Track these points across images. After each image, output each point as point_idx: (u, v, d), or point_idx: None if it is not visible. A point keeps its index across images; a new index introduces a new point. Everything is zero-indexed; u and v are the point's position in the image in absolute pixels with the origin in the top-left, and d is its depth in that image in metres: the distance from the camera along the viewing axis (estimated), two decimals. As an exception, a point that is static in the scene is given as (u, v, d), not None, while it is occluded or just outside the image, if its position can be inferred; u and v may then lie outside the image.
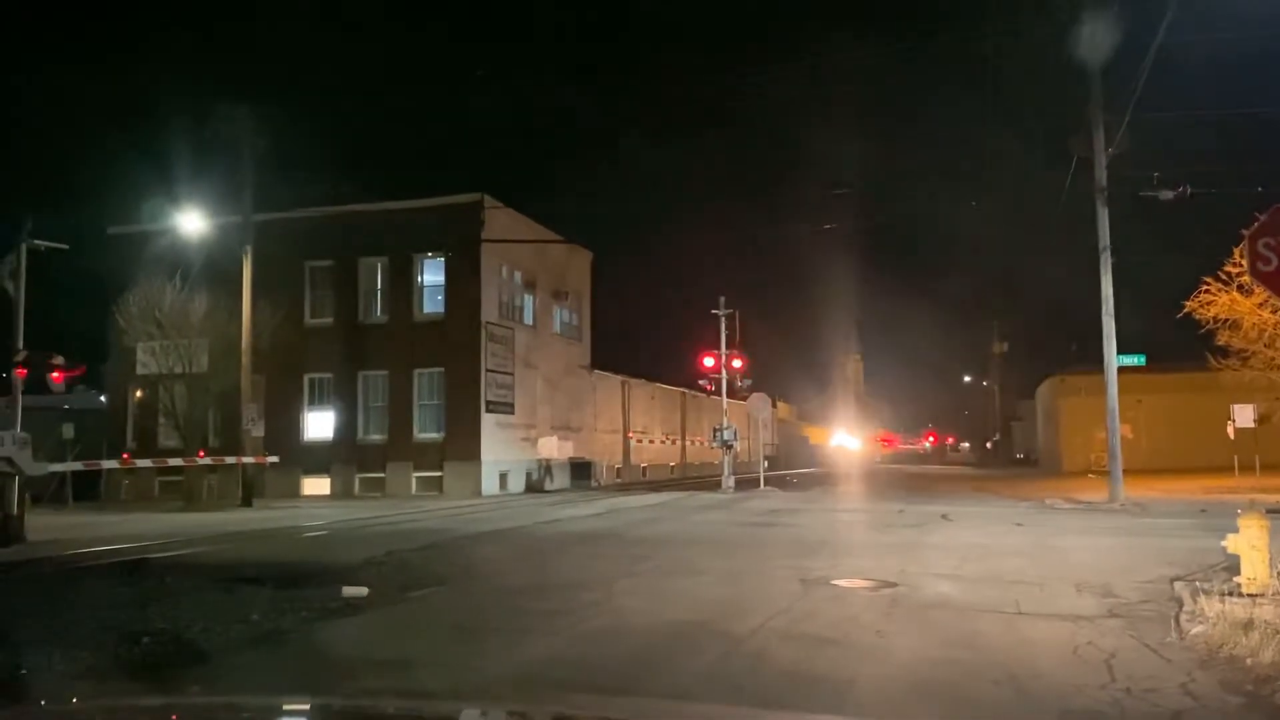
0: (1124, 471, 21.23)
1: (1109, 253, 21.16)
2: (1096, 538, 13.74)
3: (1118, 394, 21.50)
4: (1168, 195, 20.38)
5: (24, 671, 6.07)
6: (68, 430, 26.49)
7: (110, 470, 26.64)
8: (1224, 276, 21.76)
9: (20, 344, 15.91)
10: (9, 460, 14.44)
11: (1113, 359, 21.48)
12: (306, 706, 2.82)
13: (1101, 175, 21.05)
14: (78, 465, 21.60)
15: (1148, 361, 30.78)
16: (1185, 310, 22.57)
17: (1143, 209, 21.33)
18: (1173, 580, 8.87)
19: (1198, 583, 8.28)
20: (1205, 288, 22.10)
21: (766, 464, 33.39)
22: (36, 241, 16.19)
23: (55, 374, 16.39)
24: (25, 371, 15.80)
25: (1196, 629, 6.64)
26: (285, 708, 2.79)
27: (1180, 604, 7.59)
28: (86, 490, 26.79)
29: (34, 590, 9.91)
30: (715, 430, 31.87)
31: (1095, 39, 19.31)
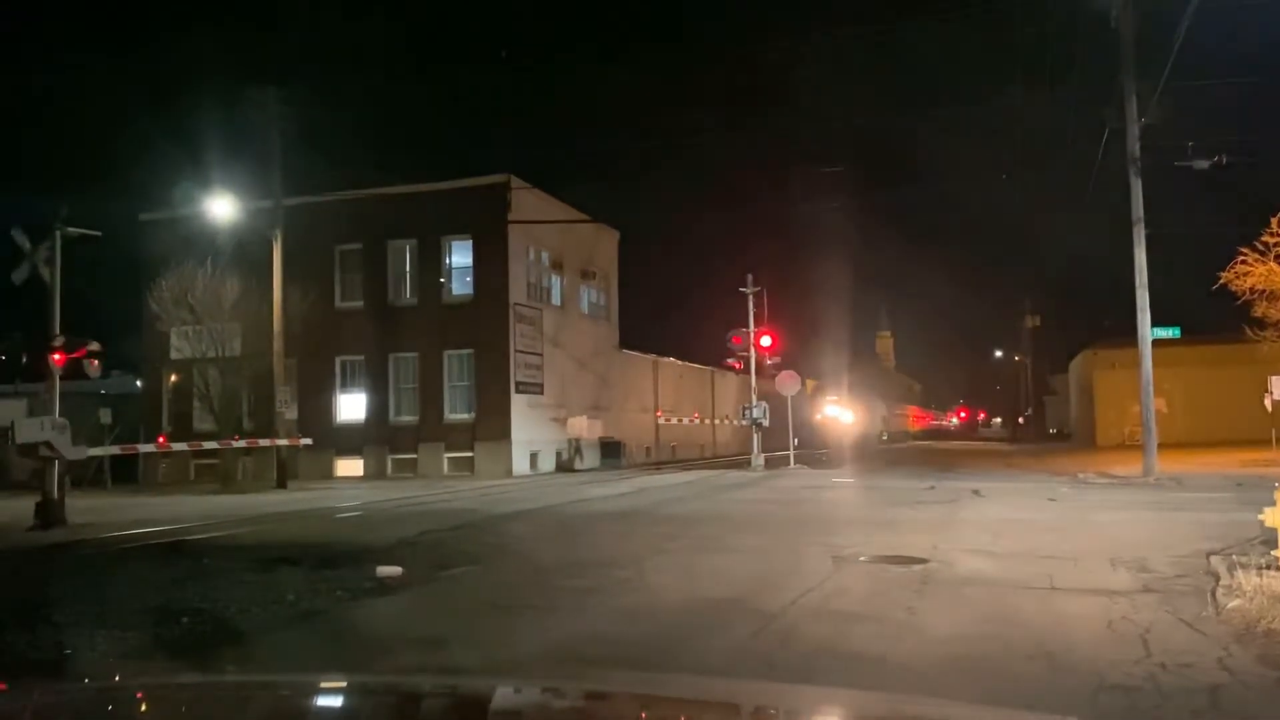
0: (1159, 445, 21.00)
1: (1142, 224, 20.86)
2: (1131, 512, 13.61)
3: (1152, 367, 21.24)
4: (1202, 164, 20.04)
5: (68, 651, 6.19)
6: (105, 415, 26.90)
7: (147, 454, 27.05)
8: (1261, 247, 21.43)
9: (57, 330, 16.12)
10: (49, 445, 14.67)
11: (1147, 332, 21.21)
12: (343, 684, 2.85)
13: (1134, 145, 20.71)
14: (115, 449, 21.93)
15: (1183, 334, 30.37)
16: (1221, 281, 22.24)
17: (1177, 179, 21.02)
18: (1209, 554, 8.78)
19: (1234, 557, 8.20)
20: (1242, 258, 21.76)
21: (796, 441, 33.28)
22: (70, 229, 16.37)
23: (92, 360, 16.60)
24: (63, 358, 16.01)
25: (1233, 603, 6.58)
26: (322, 685, 2.82)
27: (1216, 578, 7.52)
28: (124, 474, 27.22)
29: (76, 572, 10.08)
30: (744, 408, 31.83)
31: (1127, 5, 18.98)
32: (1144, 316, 21.15)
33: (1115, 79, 20.96)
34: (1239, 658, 5.43)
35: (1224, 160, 19.97)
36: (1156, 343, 21.83)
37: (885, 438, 78.01)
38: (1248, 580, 6.89)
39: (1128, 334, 22.84)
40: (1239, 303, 22.44)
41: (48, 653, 6.15)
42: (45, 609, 7.25)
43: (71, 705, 2.44)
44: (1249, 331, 24.00)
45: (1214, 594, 7.00)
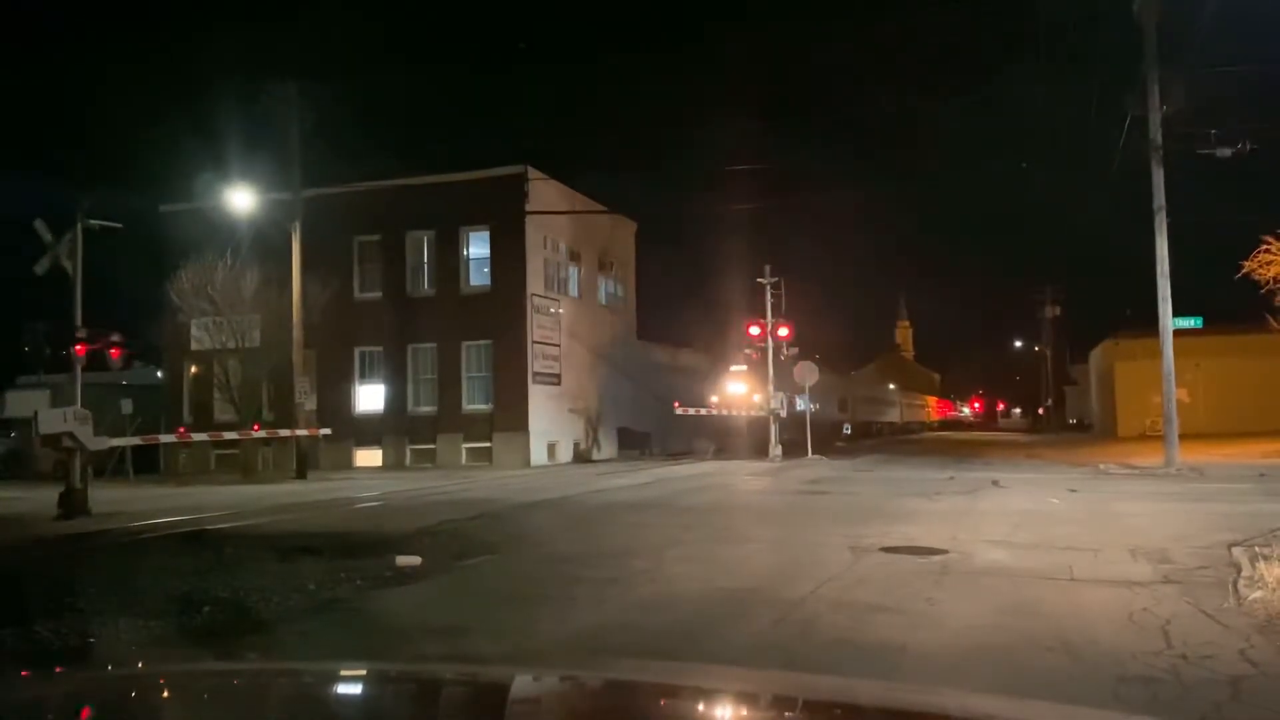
0: (1180, 436, 20.84)
1: (1164, 213, 20.67)
2: (1152, 503, 13.52)
3: (1174, 357, 21.07)
4: (1225, 152, 19.81)
5: (92, 639, 6.25)
6: (126, 405, 27.09)
7: (168, 444, 27.24)
8: (1284, 235, 21.17)
9: (79, 322, 16.26)
10: (71, 435, 14.80)
11: (1168, 321, 21.03)
12: (363, 672, 2.87)
13: (1156, 133, 20.51)
14: (137, 440, 22.05)
15: (1205, 324, 30.13)
16: (1244, 271, 22.01)
17: (1200, 166, 20.79)
18: (1230, 545, 8.72)
19: (1256, 548, 8.12)
20: (1265, 247, 21.52)
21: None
22: (92, 221, 16.50)
23: (113, 350, 16.74)
24: (85, 349, 16.15)
25: (1255, 594, 6.53)
26: (342, 673, 2.84)
27: (1238, 569, 7.46)
28: (146, 464, 27.41)
29: (99, 561, 10.17)
30: (762, 399, 31.76)
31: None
32: (1165, 306, 20.97)
33: (1137, 65, 20.77)
34: (1262, 649, 5.39)
35: (1248, 147, 19.73)
36: (1178, 332, 21.65)
37: (848, 430, 54.73)
38: (1270, 571, 6.83)
39: (1149, 324, 22.66)
40: (1262, 292, 22.18)
41: (73, 640, 6.21)
42: (70, 597, 7.32)
43: (96, 692, 2.46)
44: (1272, 321, 23.74)
45: (1236, 585, 6.95)
